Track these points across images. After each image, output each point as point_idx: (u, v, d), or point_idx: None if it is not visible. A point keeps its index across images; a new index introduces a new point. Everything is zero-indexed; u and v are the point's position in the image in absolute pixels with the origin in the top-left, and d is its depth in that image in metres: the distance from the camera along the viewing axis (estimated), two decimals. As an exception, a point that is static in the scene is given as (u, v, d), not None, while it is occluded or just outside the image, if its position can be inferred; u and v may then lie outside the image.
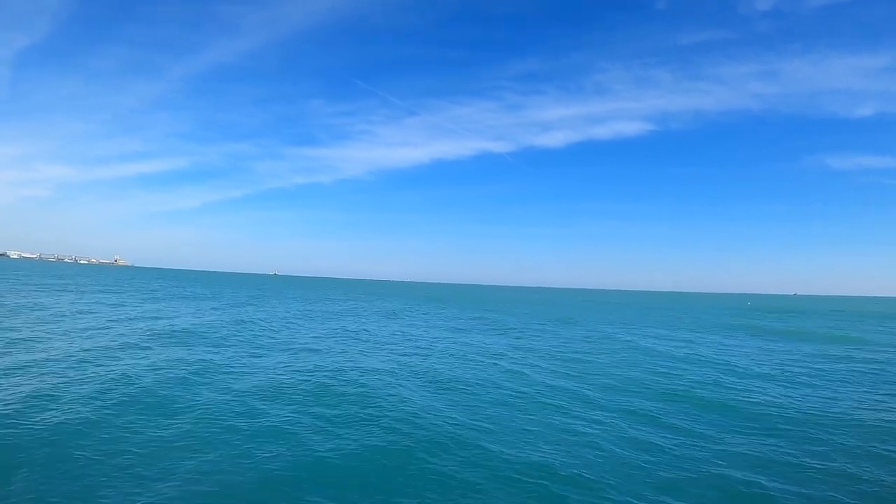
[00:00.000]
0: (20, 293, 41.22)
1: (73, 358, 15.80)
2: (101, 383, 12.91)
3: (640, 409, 13.32)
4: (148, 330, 23.55)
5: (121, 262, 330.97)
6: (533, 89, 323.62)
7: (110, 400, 11.61)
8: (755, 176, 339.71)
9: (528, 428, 11.26)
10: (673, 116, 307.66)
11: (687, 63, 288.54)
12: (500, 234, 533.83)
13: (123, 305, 36.52)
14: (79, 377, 13.44)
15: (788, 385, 17.20)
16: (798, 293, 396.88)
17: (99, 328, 23.40)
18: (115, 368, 14.72)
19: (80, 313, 29.16)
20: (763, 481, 8.64)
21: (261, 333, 25.41)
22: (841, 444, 10.80)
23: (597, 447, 10.12)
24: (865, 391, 16.52)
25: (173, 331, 23.80)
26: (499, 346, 24.89)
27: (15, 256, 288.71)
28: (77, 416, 10.29)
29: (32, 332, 20.65)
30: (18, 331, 20.61)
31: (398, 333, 29.05)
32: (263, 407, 11.76)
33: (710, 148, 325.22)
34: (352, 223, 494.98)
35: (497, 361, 20.13)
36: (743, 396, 15.14)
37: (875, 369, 21.00)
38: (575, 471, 8.80)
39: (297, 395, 13.16)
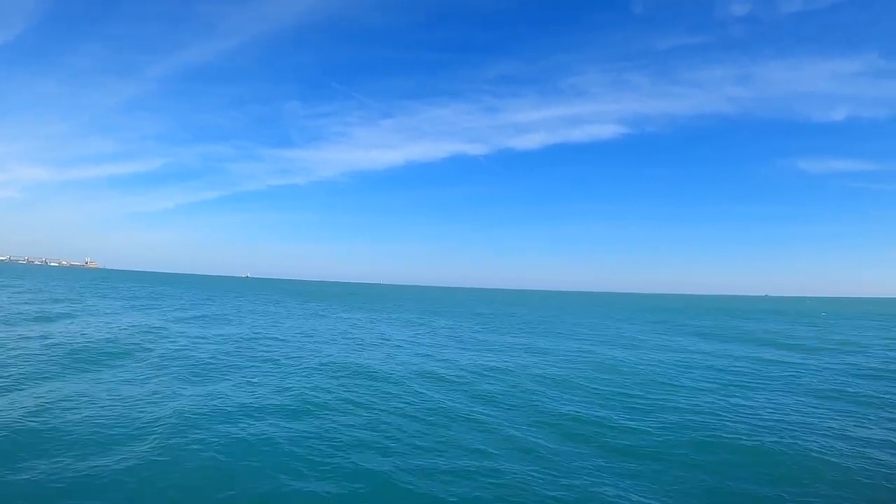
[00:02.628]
0: None
1: None
2: None
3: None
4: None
5: (91, 265, 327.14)
6: (509, 92, 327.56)
7: None
8: (729, 179, 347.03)
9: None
10: (649, 119, 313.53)
11: (663, 67, 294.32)
12: (473, 235, 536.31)
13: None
14: None
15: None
16: (768, 294, 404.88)
17: None
18: None
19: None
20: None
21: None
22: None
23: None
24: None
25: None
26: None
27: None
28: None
29: None
30: None
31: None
32: None
33: (685, 151, 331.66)
34: (325, 225, 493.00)
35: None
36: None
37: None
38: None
39: None
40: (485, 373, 18.53)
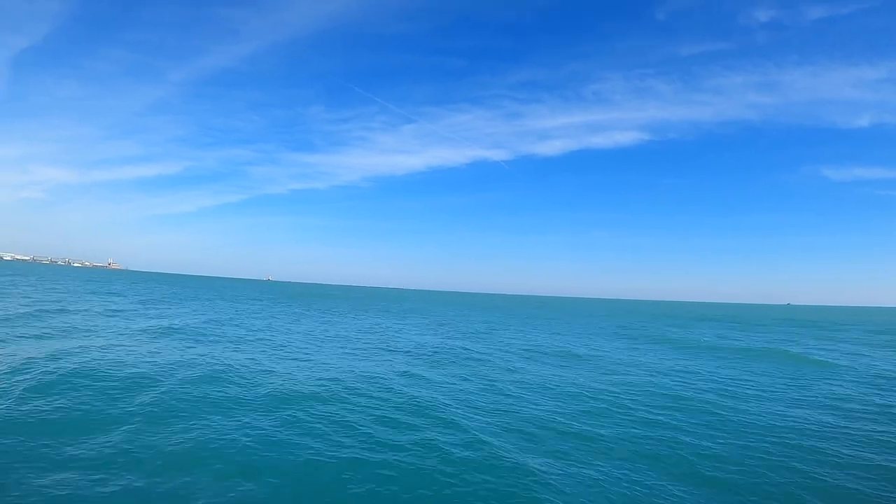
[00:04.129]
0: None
1: None
2: None
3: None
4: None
5: (114, 266, 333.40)
6: (531, 98, 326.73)
7: None
8: (752, 186, 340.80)
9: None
10: (671, 126, 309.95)
11: (686, 74, 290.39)
12: (494, 241, 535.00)
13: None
14: None
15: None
16: (791, 303, 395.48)
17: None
18: None
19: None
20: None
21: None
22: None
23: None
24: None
25: None
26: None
27: (8, 258, 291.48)
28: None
29: None
30: None
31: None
32: None
33: (708, 158, 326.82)
34: (346, 229, 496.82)
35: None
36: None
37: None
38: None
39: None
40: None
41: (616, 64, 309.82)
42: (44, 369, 14.10)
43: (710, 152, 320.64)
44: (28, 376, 13.27)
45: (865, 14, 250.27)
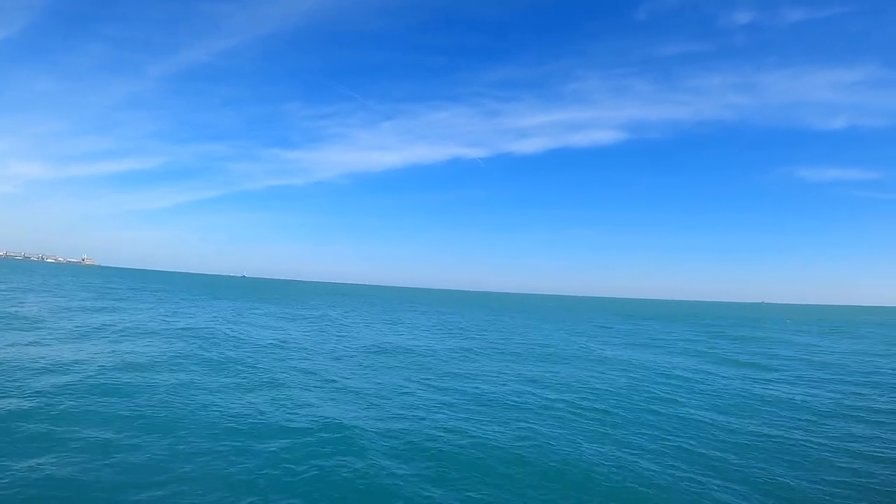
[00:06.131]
0: None
1: None
2: None
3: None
4: None
5: (88, 262, 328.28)
6: (511, 96, 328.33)
7: None
8: (729, 186, 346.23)
9: None
10: (650, 125, 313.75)
11: (665, 74, 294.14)
12: (472, 239, 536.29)
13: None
14: None
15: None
16: (765, 301, 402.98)
17: None
18: None
19: None
20: None
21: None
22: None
23: None
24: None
25: None
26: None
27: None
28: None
29: None
30: None
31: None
32: None
33: (686, 157, 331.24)
34: (323, 226, 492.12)
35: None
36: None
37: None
38: None
39: None
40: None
41: (596, 63, 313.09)
42: None
43: (688, 152, 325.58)
44: None
45: (843, 17, 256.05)
